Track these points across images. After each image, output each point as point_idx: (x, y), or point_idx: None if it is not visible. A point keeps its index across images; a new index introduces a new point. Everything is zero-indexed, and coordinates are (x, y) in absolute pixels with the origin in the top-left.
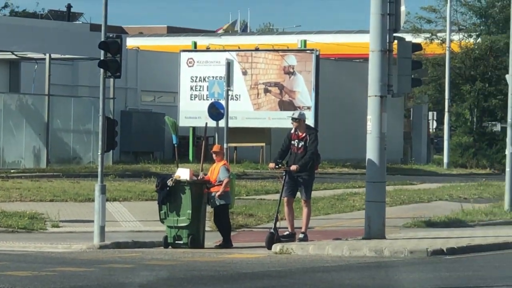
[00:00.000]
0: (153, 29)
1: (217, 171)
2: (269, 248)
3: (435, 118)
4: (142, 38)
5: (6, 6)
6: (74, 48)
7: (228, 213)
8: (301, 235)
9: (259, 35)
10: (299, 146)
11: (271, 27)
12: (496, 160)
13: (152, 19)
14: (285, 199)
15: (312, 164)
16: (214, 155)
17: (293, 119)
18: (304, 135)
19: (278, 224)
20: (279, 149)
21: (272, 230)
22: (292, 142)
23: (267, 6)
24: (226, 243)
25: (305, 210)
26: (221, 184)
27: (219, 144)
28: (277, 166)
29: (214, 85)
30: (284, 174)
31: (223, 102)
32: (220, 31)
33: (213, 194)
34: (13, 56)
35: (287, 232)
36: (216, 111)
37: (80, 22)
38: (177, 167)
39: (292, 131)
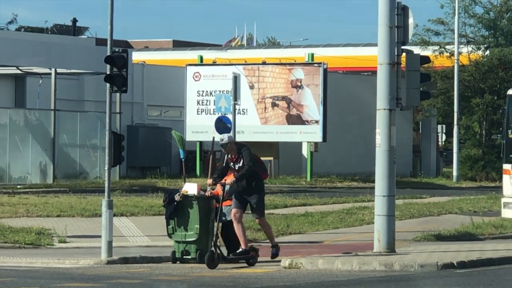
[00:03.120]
0: (159, 43)
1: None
2: (211, 267)
3: (444, 131)
4: (148, 52)
5: (12, 22)
6: (79, 63)
7: None
8: (272, 250)
9: (266, 48)
10: (236, 168)
11: (277, 40)
12: None
13: (158, 33)
14: (232, 211)
15: (259, 183)
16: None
17: (223, 145)
18: (236, 156)
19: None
20: (219, 168)
21: (212, 249)
22: (230, 165)
23: (274, 20)
24: (233, 258)
25: (262, 225)
26: (231, 199)
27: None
28: (214, 182)
29: (221, 99)
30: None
31: (230, 116)
32: (232, 44)
33: (224, 210)
34: (19, 71)
35: (240, 249)
36: (223, 125)
37: (86, 37)
38: (185, 181)
39: (226, 155)
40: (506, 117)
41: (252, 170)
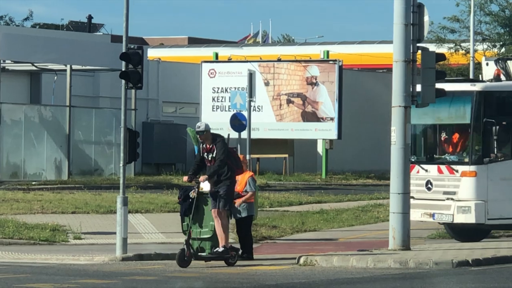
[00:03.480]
0: (174, 40)
1: (242, 181)
2: (182, 266)
3: None
4: (163, 49)
5: (27, 18)
6: (95, 59)
7: (251, 225)
8: (219, 249)
9: (281, 45)
10: (210, 158)
11: (292, 38)
12: None
13: (173, 30)
14: (213, 211)
15: (230, 173)
16: None
17: (198, 132)
18: (211, 146)
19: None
20: (194, 163)
21: (184, 247)
22: (203, 155)
23: (289, 17)
24: (247, 255)
25: (216, 221)
26: (241, 196)
27: (242, 154)
28: (189, 180)
29: (236, 96)
30: (195, 187)
31: (245, 113)
32: (247, 41)
33: (236, 205)
34: (34, 68)
35: (219, 249)
36: (238, 122)
37: (101, 33)
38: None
39: (201, 144)
40: None
41: (224, 164)
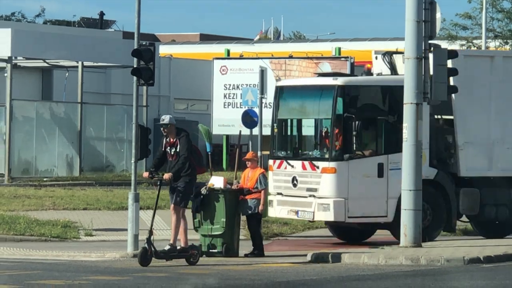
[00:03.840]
0: (186, 36)
1: (253, 178)
2: (143, 265)
3: None
4: (175, 46)
5: (39, 15)
6: (106, 56)
7: (261, 222)
8: (166, 247)
9: (293, 42)
10: (172, 153)
11: (303, 34)
12: None
13: (185, 27)
14: (171, 206)
15: (190, 170)
16: (248, 163)
17: (161, 125)
18: (175, 140)
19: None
20: (155, 157)
21: (145, 245)
22: (165, 149)
23: (300, 14)
24: (258, 252)
25: (173, 218)
26: (258, 191)
27: (253, 151)
28: (151, 176)
29: (247, 92)
30: (158, 183)
31: (256, 110)
32: (257, 37)
33: (249, 202)
34: (46, 64)
35: (168, 247)
36: (250, 119)
37: (113, 30)
38: (211, 175)
39: (165, 138)
40: (274, 111)
41: (187, 160)
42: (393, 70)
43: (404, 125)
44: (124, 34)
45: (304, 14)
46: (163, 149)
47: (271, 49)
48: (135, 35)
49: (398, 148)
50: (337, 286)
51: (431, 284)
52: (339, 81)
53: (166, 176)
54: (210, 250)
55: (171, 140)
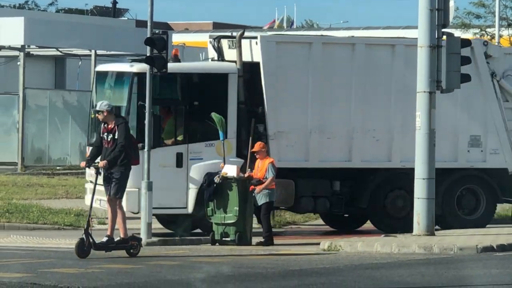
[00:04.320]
0: (199, 25)
1: (262, 168)
2: (81, 256)
3: None
4: (188, 34)
5: (52, 3)
6: (119, 45)
7: (270, 211)
8: (104, 238)
9: (306, 30)
10: (109, 139)
11: (316, 23)
12: None
13: (198, 15)
14: (107, 198)
15: (126, 160)
16: (256, 154)
17: (96, 111)
18: (113, 126)
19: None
20: (94, 145)
21: (83, 236)
22: (102, 135)
23: (313, 2)
24: (266, 240)
25: (109, 209)
26: (259, 184)
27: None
28: (87, 165)
29: None
30: (95, 172)
31: None
32: (267, 27)
33: (257, 191)
34: (59, 53)
35: (105, 238)
36: None
37: (126, 18)
38: (224, 163)
39: (103, 124)
40: (91, 98)
41: (124, 149)
42: (220, 55)
43: (417, 113)
44: (137, 22)
45: (317, 2)
46: (100, 136)
47: None
48: (148, 24)
49: (198, 138)
50: (350, 274)
51: (444, 273)
52: (135, 68)
53: (101, 164)
54: (223, 239)
55: (109, 126)
